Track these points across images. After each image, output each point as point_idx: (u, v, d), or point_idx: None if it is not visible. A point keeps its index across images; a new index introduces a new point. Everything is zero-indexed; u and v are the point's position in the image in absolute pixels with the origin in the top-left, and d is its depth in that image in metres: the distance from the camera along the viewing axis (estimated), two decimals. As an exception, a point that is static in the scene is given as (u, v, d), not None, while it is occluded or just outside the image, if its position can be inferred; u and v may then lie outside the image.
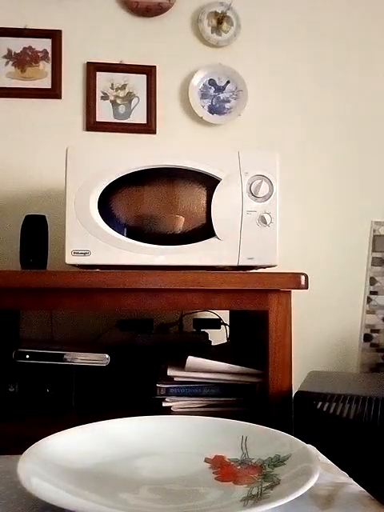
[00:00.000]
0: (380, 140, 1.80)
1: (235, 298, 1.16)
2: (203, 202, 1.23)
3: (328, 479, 0.60)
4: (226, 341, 1.58)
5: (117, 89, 1.71)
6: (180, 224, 1.23)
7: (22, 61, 1.68)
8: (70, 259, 1.20)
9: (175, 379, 1.19)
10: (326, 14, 1.80)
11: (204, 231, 1.22)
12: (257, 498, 0.51)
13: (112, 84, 1.71)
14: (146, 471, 0.59)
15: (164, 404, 1.19)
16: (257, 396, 1.20)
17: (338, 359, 1.76)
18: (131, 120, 1.71)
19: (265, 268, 1.27)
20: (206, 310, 1.50)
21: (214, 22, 1.73)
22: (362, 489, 0.58)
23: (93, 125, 1.69)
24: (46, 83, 1.68)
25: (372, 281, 1.77)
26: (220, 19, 1.73)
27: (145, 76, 1.71)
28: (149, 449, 0.64)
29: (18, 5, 1.68)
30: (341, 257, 1.77)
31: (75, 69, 1.70)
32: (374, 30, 1.81)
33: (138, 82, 1.71)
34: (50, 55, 1.68)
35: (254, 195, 1.22)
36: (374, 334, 1.76)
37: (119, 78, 1.71)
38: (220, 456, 0.62)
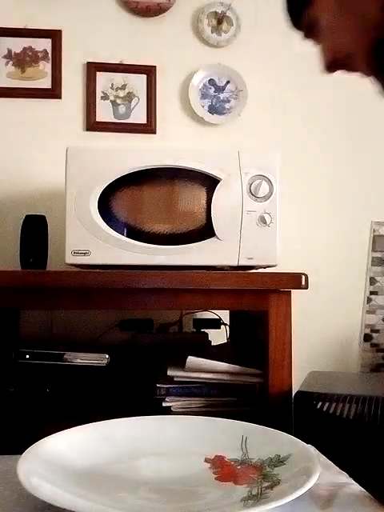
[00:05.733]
0: (380, 140, 1.80)
1: (235, 297, 1.16)
2: (203, 201, 1.23)
3: (328, 479, 0.60)
4: (226, 341, 1.58)
5: (117, 89, 1.71)
6: (180, 224, 1.23)
7: (22, 61, 1.68)
8: (70, 259, 1.20)
9: (175, 379, 1.19)
10: (326, 13, 1.80)
11: (204, 231, 1.22)
12: (257, 498, 0.51)
13: (112, 84, 1.71)
14: (146, 471, 0.59)
15: (164, 404, 1.18)
16: (257, 396, 1.20)
17: (338, 359, 1.76)
18: (131, 120, 1.71)
19: (265, 268, 1.27)
20: (206, 309, 1.50)
21: (214, 21, 1.73)
22: (362, 489, 0.58)
23: (93, 125, 1.69)
24: (46, 83, 1.68)
25: (372, 281, 1.77)
26: (220, 19, 1.73)
27: (145, 76, 1.71)
28: (149, 449, 0.64)
29: (18, 5, 1.68)
30: (341, 257, 1.77)
31: (75, 69, 1.70)
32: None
33: (138, 82, 1.71)
34: (50, 55, 1.68)
35: (254, 195, 1.22)
36: (374, 334, 1.76)
37: (119, 78, 1.71)
38: (220, 456, 0.62)
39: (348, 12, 0.70)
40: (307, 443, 0.62)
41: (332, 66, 0.77)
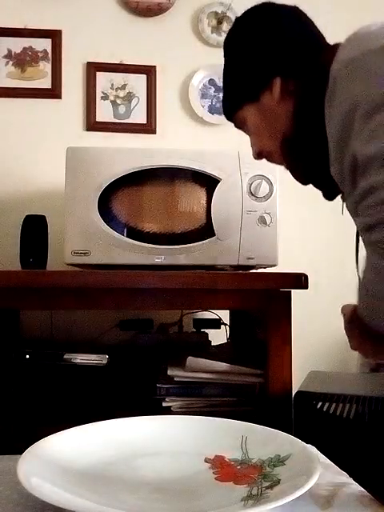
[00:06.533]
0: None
1: (235, 297, 1.16)
2: (203, 201, 1.23)
3: (328, 479, 0.60)
4: (226, 341, 1.58)
5: (117, 89, 1.71)
6: (180, 224, 1.23)
7: (22, 61, 1.68)
8: (70, 259, 1.20)
9: (175, 379, 1.19)
10: (326, 14, 1.79)
11: (204, 231, 1.22)
12: (257, 498, 0.51)
13: (112, 84, 1.71)
14: (146, 471, 0.59)
15: (164, 404, 1.18)
16: (257, 396, 1.20)
17: (338, 359, 1.76)
18: (131, 120, 1.71)
19: (265, 268, 1.27)
20: (206, 309, 1.50)
21: (214, 21, 1.73)
22: (362, 489, 0.58)
23: (93, 125, 1.69)
24: (46, 83, 1.68)
25: (372, 281, 1.77)
26: (220, 19, 1.73)
27: (145, 76, 1.71)
28: (149, 449, 0.64)
29: (18, 5, 1.68)
30: (341, 257, 1.77)
31: (75, 69, 1.70)
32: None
33: (138, 82, 1.71)
34: (50, 55, 1.68)
35: (253, 195, 1.22)
36: (374, 334, 1.76)
37: (119, 78, 1.71)
38: (220, 456, 0.62)
39: (266, 126, 0.93)
40: (307, 443, 0.62)
41: (259, 156, 0.99)
